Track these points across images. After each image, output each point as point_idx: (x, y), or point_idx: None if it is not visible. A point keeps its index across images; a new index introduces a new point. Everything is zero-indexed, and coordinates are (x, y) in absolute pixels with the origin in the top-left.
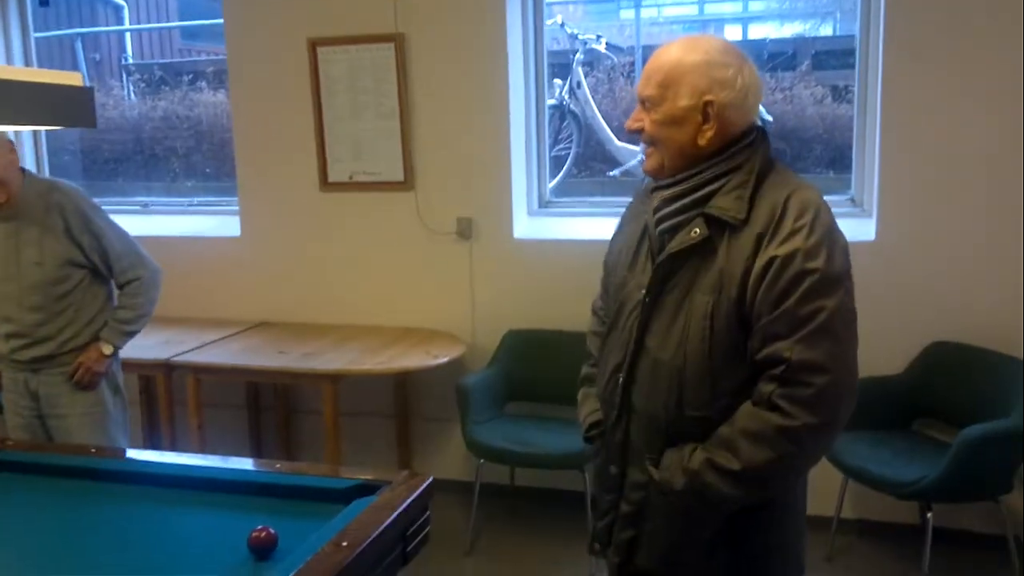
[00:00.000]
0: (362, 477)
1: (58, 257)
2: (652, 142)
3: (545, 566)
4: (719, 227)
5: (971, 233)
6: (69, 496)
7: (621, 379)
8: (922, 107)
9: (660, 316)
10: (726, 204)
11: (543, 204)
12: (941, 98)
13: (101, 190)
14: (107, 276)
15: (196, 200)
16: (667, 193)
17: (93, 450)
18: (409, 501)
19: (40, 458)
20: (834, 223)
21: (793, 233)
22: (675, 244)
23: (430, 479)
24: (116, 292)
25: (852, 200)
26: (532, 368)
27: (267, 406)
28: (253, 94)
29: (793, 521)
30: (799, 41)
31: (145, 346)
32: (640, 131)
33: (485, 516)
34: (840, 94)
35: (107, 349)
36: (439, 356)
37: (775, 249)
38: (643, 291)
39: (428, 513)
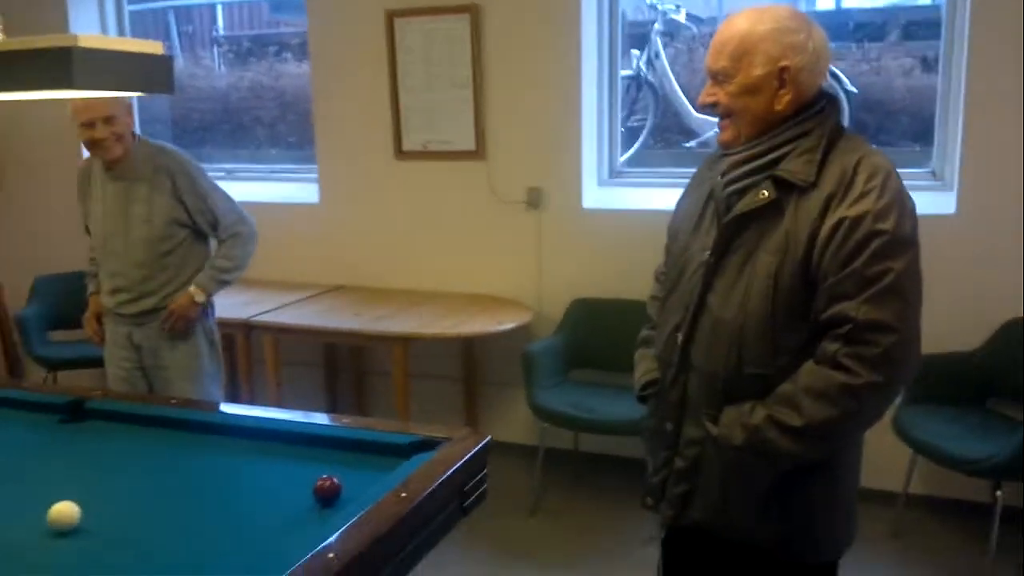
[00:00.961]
0: (423, 434)
1: (165, 215)
2: (728, 114)
3: (607, 526)
4: (787, 189)
5: None
6: (156, 444)
7: (680, 337)
8: (1009, 79)
9: (723, 276)
10: (796, 167)
11: (613, 175)
12: None
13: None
14: (210, 234)
15: (278, 167)
16: (737, 158)
17: (173, 401)
18: (467, 458)
19: (133, 408)
20: (903, 187)
21: (863, 195)
22: (743, 205)
23: (487, 438)
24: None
25: (933, 173)
26: (597, 336)
27: (343, 366)
28: (332, 64)
29: (846, 483)
30: (889, 11)
31: (227, 305)
32: (714, 104)
33: (548, 479)
34: (930, 65)
35: (199, 296)
36: (505, 323)
37: (845, 210)
38: (707, 252)
39: (485, 470)
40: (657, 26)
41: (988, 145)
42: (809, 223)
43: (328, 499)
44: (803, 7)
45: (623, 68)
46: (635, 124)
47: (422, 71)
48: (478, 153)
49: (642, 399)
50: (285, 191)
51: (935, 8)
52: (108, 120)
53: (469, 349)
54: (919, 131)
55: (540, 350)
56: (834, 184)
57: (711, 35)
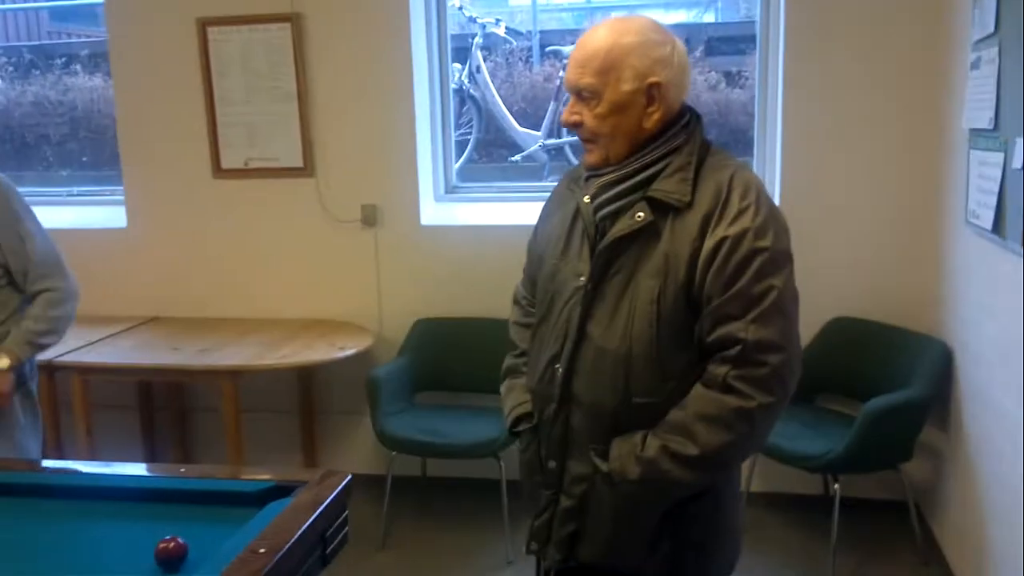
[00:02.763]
0: (276, 478)
1: None
2: (593, 137)
3: (460, 556)
4: (662, 210)
5: (871, 213)
6: None
7: (560, 370)
8: (823, 92)
9: (602, 303)
10: (670, 187)
11: (449, 190)
12: (842, 83)
13: None
14: (20, 283)
15: (76, 190)
16: (607, 179)
17: None
18: (329, 501)
19: None
20: (772, 200)
21: (740, 213)
22: (619, 229)
23: (348, 477)
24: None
25: None
26: (442, 357)
27: (160, 405)
28: (138, 77)
29: (733, 504)
30: (692, 28)
31: None
32: (578, 124)
33: (397, 510)
34: (733, 79)
35: (4, 362)
36: (346, 348)
37: (724, 230)
38: (582, 278)
39: (347, 512)
40: (478, 39)
41: (805, 156)
42: (689, 244)
43: (172, 562)
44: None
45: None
46: (460, 138)
47: (241, 84)
48: (306, 170)
49: (514, 434)
50: (86, 216)
51: (738, 24)
52: None
53: (307, 378)
54: (727, 142)
55: (384, 375)
56: (710, 203)
57: (528, 50)
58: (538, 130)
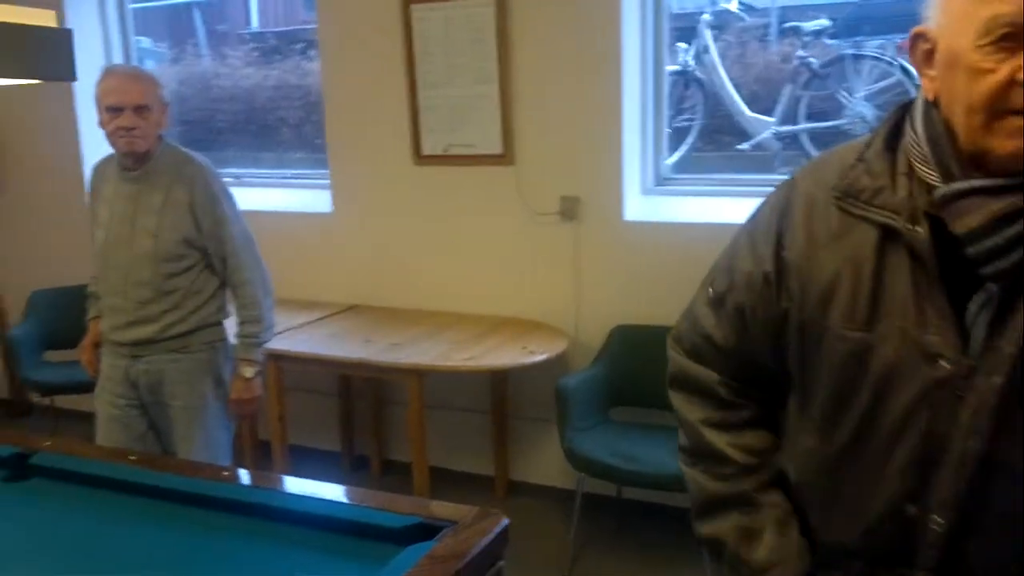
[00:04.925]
0: (424, 515)
1: (176, 232)
2: None
3: None
4: None
5: None
6: (105, 511)
7: (939, 521)
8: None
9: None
10: None
11: (660, 182)
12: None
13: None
14: (218, 269)
15: (290, 173)
16: (1005, 205)
17: (132, 457)
18: (475, 552)
19: (84, 465)
20: None
21: None
22: None
23: (504, 523)
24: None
25: None
26: (641, 369)
27: (359, 393)
28: (344, 59)
29: None
30: None
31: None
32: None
33: (588, 532)
34: None
35: (248, 371)
36: (536, 352)
37: None
38: (946, 362)
39: (502, 563)
40: (706, 17)
41: None
42: None
43: None
44: None
45: (668, 63)
46: (681, 125)
47: (442, 65)
48: (505, 157)
49: None
50: (297, 199)
51: None
52: (139, 110)
53: (499, 379)
54: None
55: (576, 385)
56: None
57: (765, 26)
58: (771, 115)
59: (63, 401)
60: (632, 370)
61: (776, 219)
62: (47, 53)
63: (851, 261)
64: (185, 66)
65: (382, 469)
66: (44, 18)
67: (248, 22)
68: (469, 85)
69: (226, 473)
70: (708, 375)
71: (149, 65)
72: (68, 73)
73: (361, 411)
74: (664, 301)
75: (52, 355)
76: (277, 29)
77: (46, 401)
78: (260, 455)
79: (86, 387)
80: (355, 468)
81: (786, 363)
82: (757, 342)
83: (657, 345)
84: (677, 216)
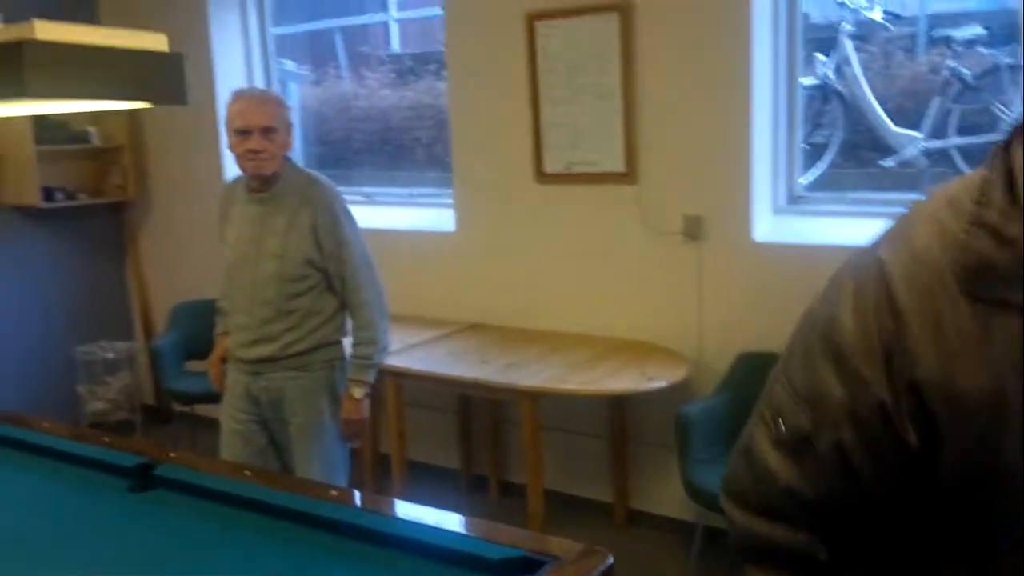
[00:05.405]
0: (526, 547)
1: (300, 253)
2: None
3: None
4: None
5: None
6: (223, 527)
7: None
8: None
9: None
10: None
11: (793, 200)
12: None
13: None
14: (337, 288)
15: (417, 192)
16: None
17: (247, 473)
18: None
19: (203, 479)
20: None
21: None
22: None
23: (610, 561)
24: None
25: None
26: None
27: (478, 411)
28: (469, 76)
29: None
30: None
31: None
32: None
33: (707, 567)
34: None
35: (358, 392)
36: (656, 378)
37: None
38: None
39: None
40: (847, 27)
41: None
42: None
43: None
44: None
45: (805, 76)
46: (818, 141)
47: (565, 81)
48: (628, 176)
49: None
50: (424, 218)
51: None
52: (267, 132)
53: (617, 403)
54: None
55: (698, 414)
56: None
57: (912, 36)
58: (917, 130)
59: (202, 410)
60: (758, 399)
61: (873, 322)
62: (159, 77)
63: (1009, 366)
64: (326, 88)
65: (500, 491)
66: (156, 42)
67: (388, 44)
68: (592, 101)
69: (335, 493)
70: (798, 538)
71: (292, 88)
72: (179, 97)
73: (480, 429)
74: (793, 327)
75: (193, 365)
76: (414, 51)
77: (186, 409)
78: (380, 470)
79: (220, 398)
80: (472, 488)
81: (921, 519)
82: (873, 493)
83: None
84: (812, 237)
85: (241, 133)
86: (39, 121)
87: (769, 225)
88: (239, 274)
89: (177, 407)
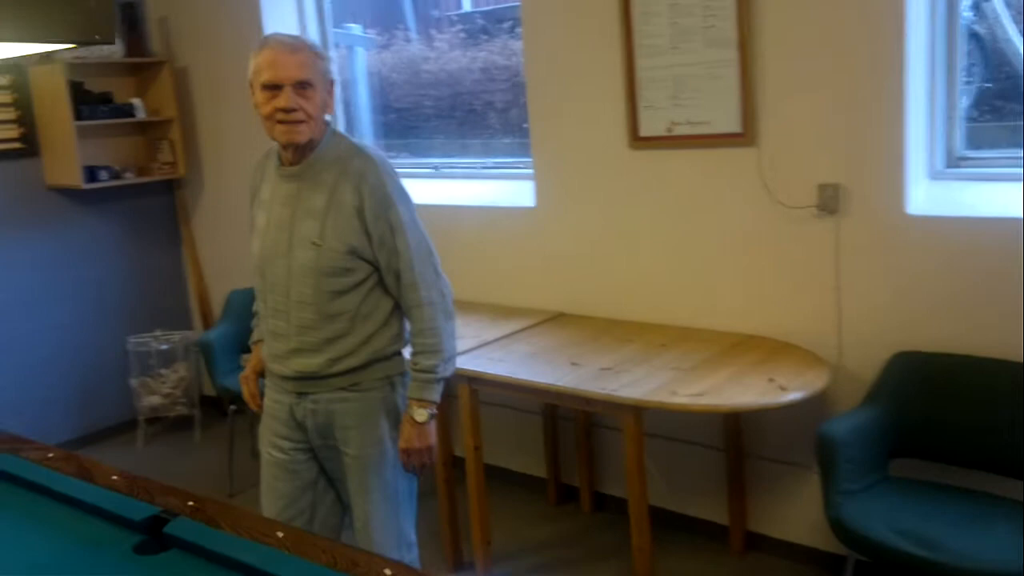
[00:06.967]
0: None
1: (341, 240)
2: None
3: None
4: None
5: None
6: None
7: None
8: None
9: None
10: None
11: (952, 163)
12: None
13: (399, 149)
14: (390, 285)
15: (490, 162)
16: None
17: (280, 534)
18: None
19: (226, 544)
20: None
21: None
22: None
23: None
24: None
25: None
26: (934, 409)
27: (565, 413)
28: (548, 29)
29: None
30: None
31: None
32: None
33: None
34: None
35: (421, 415)
36: (789, 389)
37: None
38: None
39: None
40: None
41: None
42: None
43: None
44: None
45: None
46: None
47: (666, 25)
48: (746, 136)
49: None
50: (501, 191)
51: None
52: (301, 87)
53: (734, 414)
54: None
55: (845, 432)
56: None
57: None
58: None
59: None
60: (920, 411)
61: None
62: (85, 13)
63: None
64: (394, 52)
65: (593, 504)
66: None
67: (459, 3)
68: (700, 50)
69: (388, 572)
70: None
71: (358, 52)
72: (107, 35)
73: (568, 432)
74: (964, 321)
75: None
76: (486, 8)
77: (234, 407)
78: (455, 477)
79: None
80: (562, 500)
81: None
82: None
83: (956, 379)
84: (980, 208)
85: (269, 88)
86: (78, 95)
87: (926, 194)
88: (271, 268)
89: (230, 407)
